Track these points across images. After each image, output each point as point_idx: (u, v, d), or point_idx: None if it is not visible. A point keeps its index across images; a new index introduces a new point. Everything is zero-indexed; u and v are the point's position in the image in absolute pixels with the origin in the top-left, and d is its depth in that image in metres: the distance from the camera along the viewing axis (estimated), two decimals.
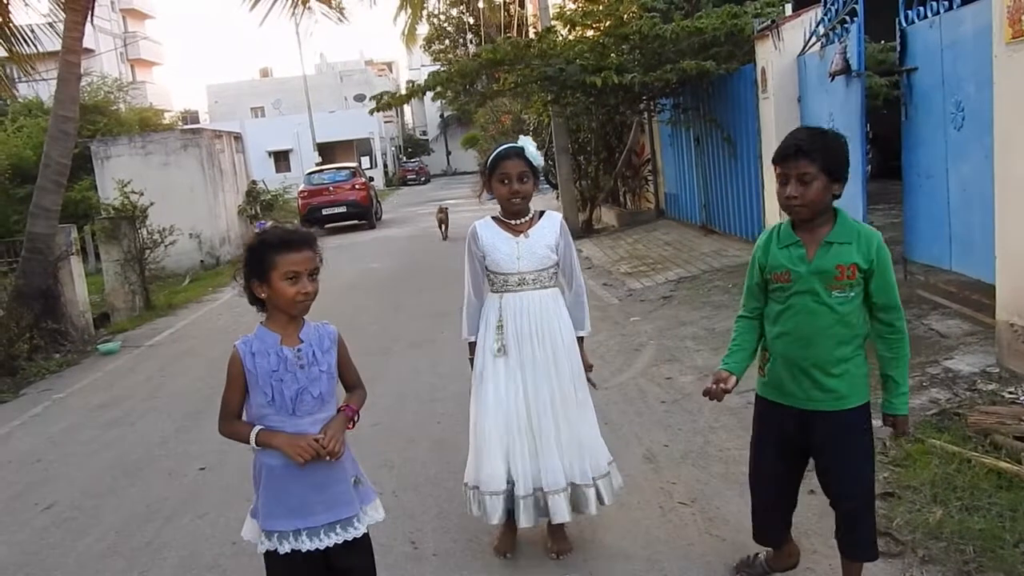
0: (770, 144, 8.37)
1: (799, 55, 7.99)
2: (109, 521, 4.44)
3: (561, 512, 3.26)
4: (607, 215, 15.75)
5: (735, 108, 9.99)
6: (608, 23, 11.96)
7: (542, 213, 3.41)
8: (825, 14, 7.27)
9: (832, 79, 6.96)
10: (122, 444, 5.84)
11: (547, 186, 20.56)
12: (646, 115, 13.78)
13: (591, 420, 3.41)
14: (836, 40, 6.99)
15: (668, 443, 4.51)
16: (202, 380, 7.38)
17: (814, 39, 7.62)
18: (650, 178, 14.84)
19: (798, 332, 2.70)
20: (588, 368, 3.49)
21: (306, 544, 2.46)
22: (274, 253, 2.43)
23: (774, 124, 8.21)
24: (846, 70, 6.70)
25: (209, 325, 10.43)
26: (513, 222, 3.34)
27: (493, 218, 3.38)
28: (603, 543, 3.52)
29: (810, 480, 3.73)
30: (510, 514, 3.32)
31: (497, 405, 3.30)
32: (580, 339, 3.44)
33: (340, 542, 2.49)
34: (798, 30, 7.98)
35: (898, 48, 6.33)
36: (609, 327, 7.40)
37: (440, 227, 17.17)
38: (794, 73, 8.07)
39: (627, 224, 14.40)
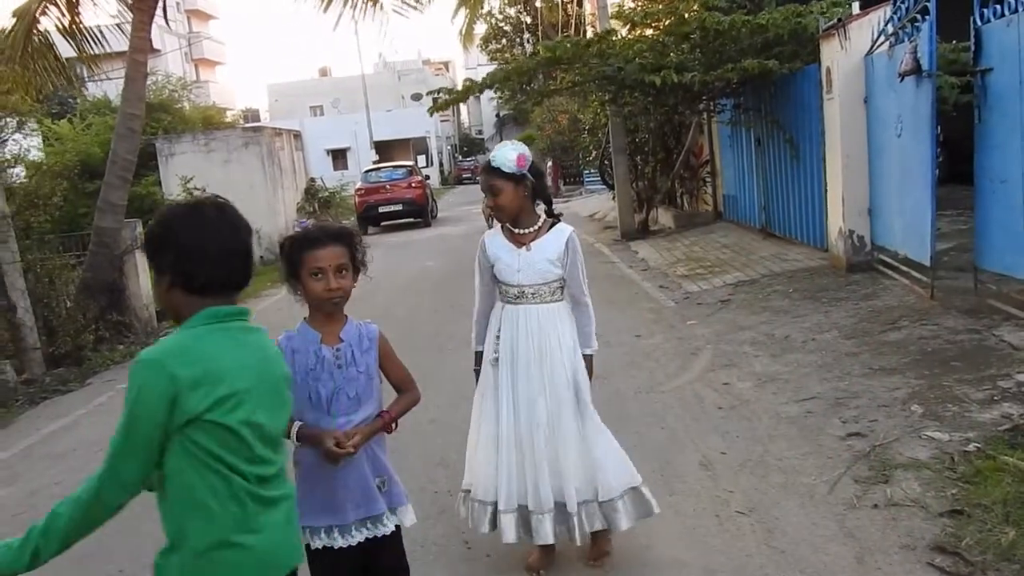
0: (835, 146, 8.18)
1: (866, 55, 7.78)
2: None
3: (544, 534, 3.20)
4: (664, 216, 15.57)
5: (798, 109, 9.78)
6: (668, 21, 11.81)
7: (555, 224, 3.27)
8: (895, 12, 7.07)
9: (901, 80, 6.76)
10: None
11: (603, 186, 20.46)
12: (705, 115, 13.58)
13: (602, 443, 3.28)
14: (906, 39, 6.78)
15: (725, 450, 4.42)
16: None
17: (882, 38, 7.42)
18: (708, 179, 14.64)
19: None
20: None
21: (338, 541, 2.49)
22: (300, 251, 2.46)
23: (839, 125, 8.02)
24: (916, 70, 6.50)
25: (266, 320, 10.53)
26: (518, 231, 3.24)
27: (502, 226, 3.31)
28: (657, 550, 3.47)
29: (875, 491, 3.64)
30: None
31: (489, 416, 3.30)
32: (587, 357, 3.32)
33: (371, 538, 2.52)
34: (865, 29, 7.77)
35: (972, 48, 6.11)
36: (665, 330, 7.30)
37: (488, 220, 17.35)
38: (861, 73, 7.86)
39: (684, 226, 14.23)
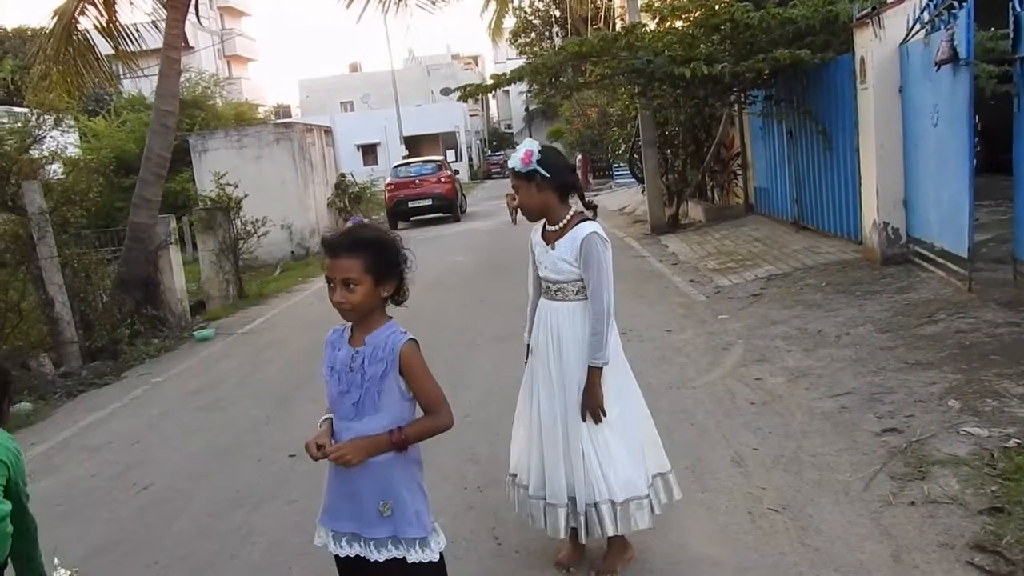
0: (869, 136, 8.05)
1: (901, 43, 7.64)
2: (201, 504, 4.57)
3: (556, 527, 3.19)
4: (694, 210, 15.45)
5: (831, 99, 9.64)
6: (698, 13, 11.70)
7: (583, 221, 3.15)
8: (931, 0, 6.94)
9: (938, 68, 6.62)
10: (214, 429, 6.02)
11: (633, 180, 20.35)
12: (736, 107, 13.45)
13: (614, 443, 3.14)
14: (942, 27, 6.65)
15: (758, 446, 4.37)
16: (291, 368, 7.56)
17: (918, 26, 7.28)
18: (739, 172, 14.50)
19: None
20: (592, 407, 3.10)
21: (331, 546, 2.45)
22: (324, 255, 2.38)
23: (873, 116, 7.89)
24: (953, 58, 6.37)
25: (298, 315, 10.67)
26: (548, 229, 3.22)
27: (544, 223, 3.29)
28: (688, 547, 3.43)
29: (911, 488, 3.58)
30: (575, 529, 3.23)
31: (521, 407, 3.38)
32: (592, 369, 3.09)
33: (362, 557, 2.40)
34: (900, 17, 7.63)
35: (1011, 35, 5.97)
36: (695, 325, 7.24)
37: (512, 214, 18.08)
38: (896, 62, 7.73)
39: (715, 219, 14.10)
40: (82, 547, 4.20)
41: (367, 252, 2.32)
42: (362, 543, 2.41)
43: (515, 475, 3.38)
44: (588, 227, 3.11)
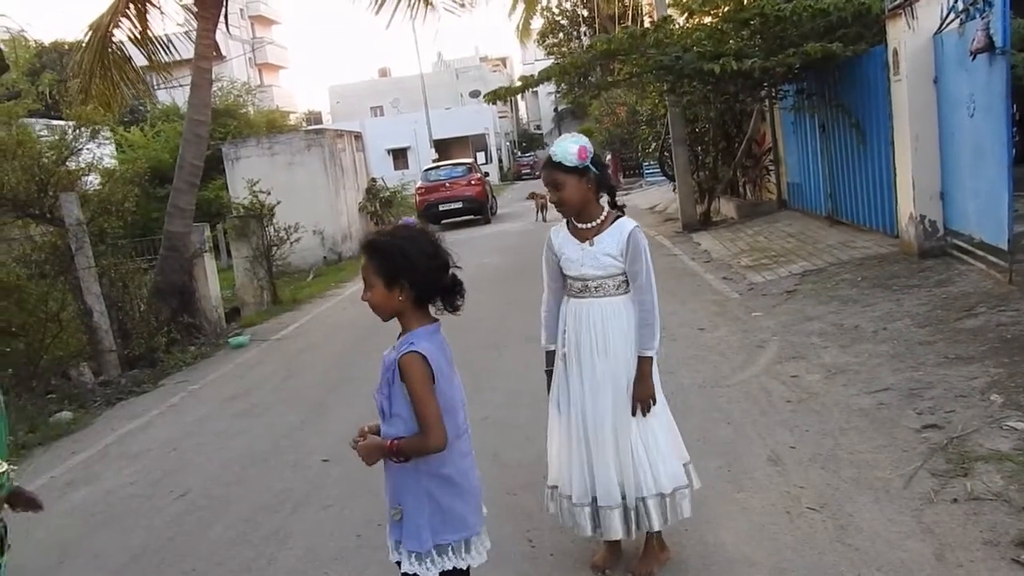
0: (903, 129, 7.91)
1: (935, 33, 7.50)
2: (238, 510, 4.61)
3: (614, 529, 3.17)
4: (726, 207, 15.32)
5: (864, 92, 9.50)
6: (727, 8, 11.60)
7: (619, 217, 3.18)
8: None
9: (973, 58, 6.50)
10: (250, 435, 6.07)
11: (663, 178, 20.24)
12: (767, 102, 13.30)
13: (661, 435, 3.19)
14: (977, 16, 6.52)
15: (795, 445, 4.31)
16: (325, 374, 7.61)
17: (952, 15, 7.14)
18: (771, 167, 14.34)
19: None
20: (644, 398, 3.14)
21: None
22: None
23: (908, 107, 7.75)
24: (989, 47, 6.24)
25: (332, 320, 10.74)
26: (581, 226, 3.17)
27: (567, 222, 3.24)
28: (725, 547, 3.39)
29: (953, 484, 3.50)
30: None
31: (560, 411, 3.28)
32: (644, 359, 3.14)
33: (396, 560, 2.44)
34: (934, 7, 7.49)
35: None
36: (729, 322, 7.17)
37: (540, 211, 19.32)
38: (930, 53, 7.59)
39: (747, 215, 13.97)
40: (122, 554, 4.25)
41: (375, 256, 2.35)
42: (395, 545, 2.45)
43: (555, 487, 3.33)
44: (630, 222, 3.16)
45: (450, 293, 2.41)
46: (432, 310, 2.43)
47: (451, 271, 2.41)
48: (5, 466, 2.27)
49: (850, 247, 9.15)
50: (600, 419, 3.15)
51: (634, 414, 3.14)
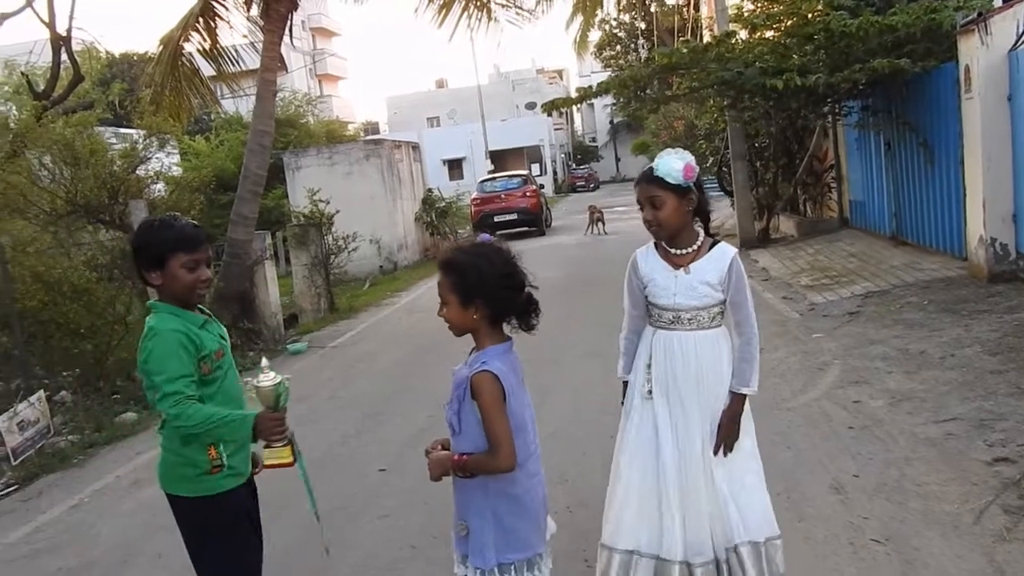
0: (974, 148, 7.70)
1: (1010, 50, 7.31)
2: (295, 516, 4.65)
3: None
4: (785, 224, 15.08)
5: (933, 109, 9.28)
6: (790, 23, 11.45)
7: (715, 243, 2.93)
8: None
9: None
10: (307, 442, 6.06)
11: (721, 193, 20.03)
12: (830, 119, 13.09)
13: (751, 477, 2.95)
14: None
15: (858, 473, 4.21)
16: (380, 382, 7.68)
17: None
18: (833, 185, 14.09)
19: None
20: (730, 438, 2.91)
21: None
22: None
23: (980, 126, 7.55)
24: None
25: (388, 329, 10.84)
26: (675, 252, 2.91)
27: (655, 244, 2.98)
28: None
29: (1021, 525, 3.38)
30: None
31: (637, 452, 2.99)
32: (739, 396, 2.92)
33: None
34: (1009, 23, 7.30)
35: None
36: (789, 343, 7.04)
37: (596, 224, 19.51)
38: (1004, 70, 7.39)
39: (807, 233, 13.73)
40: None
41: (451, 273, 2.36)
42: (460, 559, 2.47)
43: (612, 547, 2.99)
44: (731, 248, 2.94)
45: (525, 312, 2.42)
46: (506, 328, 2.43)
47: (526, 290, 2.42)
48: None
49: (916, 269, 8.94)
50: (692, 463, 2.89)
51: (716, 453, 2.90)
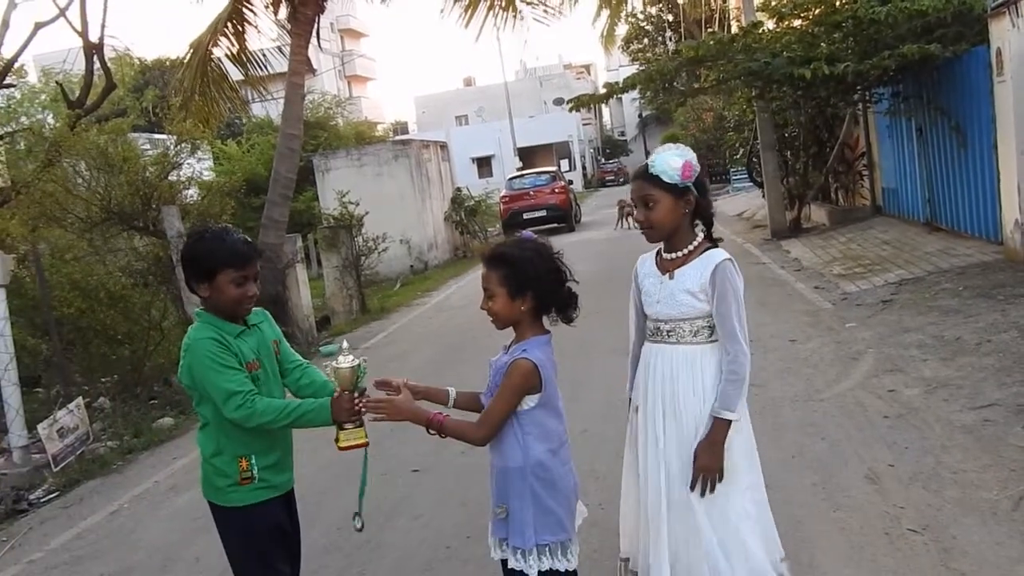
0: (1008, 131, 7.57)
1: None
2: (331, 518, 4.71)
3: None
4: (817, 213, 14.92)
5: (964, 94, 9.13)
6: (818, 11, 11.33)
7: (711, 248, 2.64)
8: None
9: None
10: None
11: (751, 184, 19.88)
12: (860, 106, 12.93)
13: (743, 520, 2.60)
14: None
15: (894, 462, 4.16)
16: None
17: None
18: (865, 173, 13.91)
19: None
20: (709, 468, 2.54)
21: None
22: None
23: (1013, 109, 7.42)
24: None
25: (420, 329, 10.89)
26: (666, 256, 2.68)
27: (657, 251, 2.76)
28: (822, 568, 3.30)
29: None
30: None
31: (628, 477, 2.87)
32: (720, 422, 2.55)
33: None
34: None
35: None
36: (822, 333, 6.97)
37: (625, 219, 19.10)
38: None
39: (839, 222, 13.58)
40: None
41: (502, 266, 2.45)
42: (496, 543, 2.55)
43: (627, 560, 2.89)
44: (721, 253, 2.60)
45: (566, 305, 2.52)
46: (546, 321, 2.51)
47: (567, 284, 2.51)
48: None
49: (950, 255, 8.80)
50: (656, 489, 2.63)
51: (692, 488, 2.56)
